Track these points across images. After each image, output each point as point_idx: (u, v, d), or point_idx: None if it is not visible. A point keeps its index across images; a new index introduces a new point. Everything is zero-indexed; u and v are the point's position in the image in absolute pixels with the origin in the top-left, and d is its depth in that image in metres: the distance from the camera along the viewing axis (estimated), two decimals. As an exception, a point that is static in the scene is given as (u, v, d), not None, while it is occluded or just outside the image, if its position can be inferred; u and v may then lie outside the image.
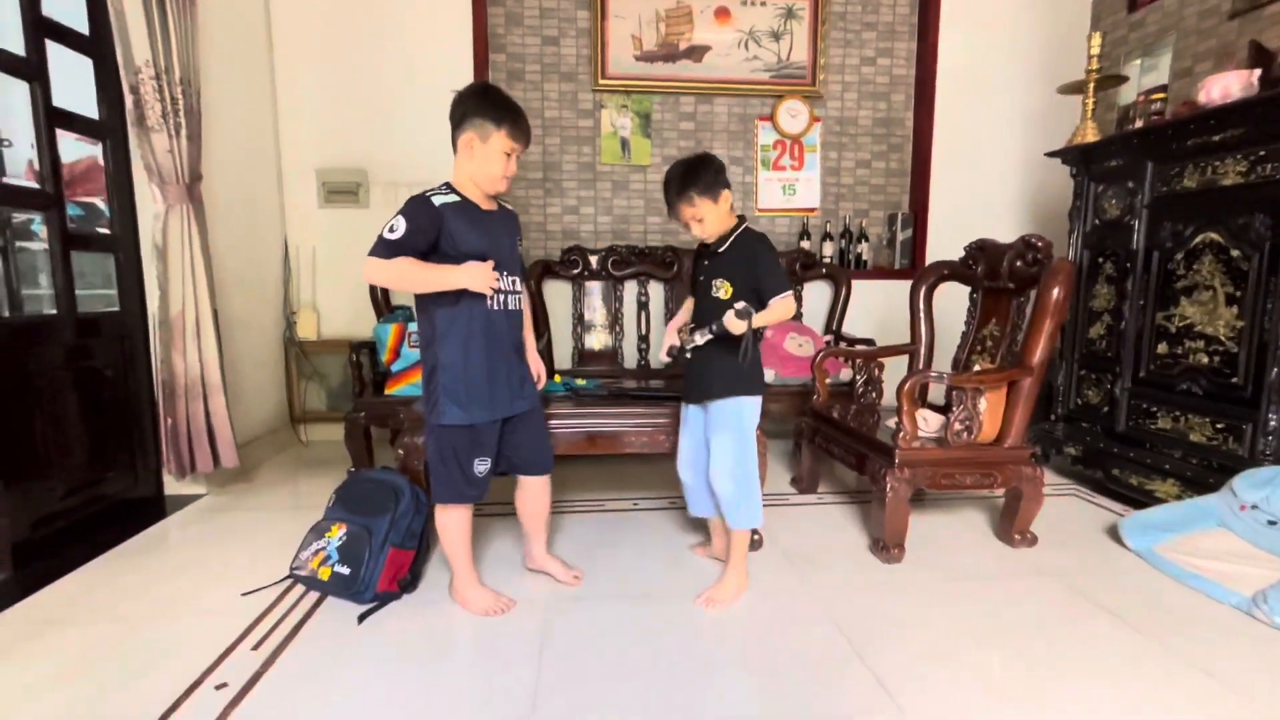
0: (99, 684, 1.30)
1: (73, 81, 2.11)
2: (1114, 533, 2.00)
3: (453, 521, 1.57)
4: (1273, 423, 1.85)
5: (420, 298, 1.48)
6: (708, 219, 1.53)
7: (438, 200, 1.42)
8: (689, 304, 1.71)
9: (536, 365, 1.68)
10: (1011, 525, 1.95)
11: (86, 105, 2.15)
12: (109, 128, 2.18)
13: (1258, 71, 1.98)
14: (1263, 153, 1.86)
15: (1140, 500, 2.19)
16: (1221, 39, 2.61)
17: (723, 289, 1.55)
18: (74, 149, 2.23)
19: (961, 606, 1.62)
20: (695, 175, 1.52)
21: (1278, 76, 1.95)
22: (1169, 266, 2.17)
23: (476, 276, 1.40)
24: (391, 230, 1.37)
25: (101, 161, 2.21)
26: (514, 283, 1.53)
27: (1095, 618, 1.57)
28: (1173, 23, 2.82)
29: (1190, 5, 2.74)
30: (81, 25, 2.09)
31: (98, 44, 2.11)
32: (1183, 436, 2.10)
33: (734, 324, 1.44)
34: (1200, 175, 2.05)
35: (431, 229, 1.40)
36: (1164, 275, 2.19)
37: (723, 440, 1.58)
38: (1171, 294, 2.16)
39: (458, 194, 1.47)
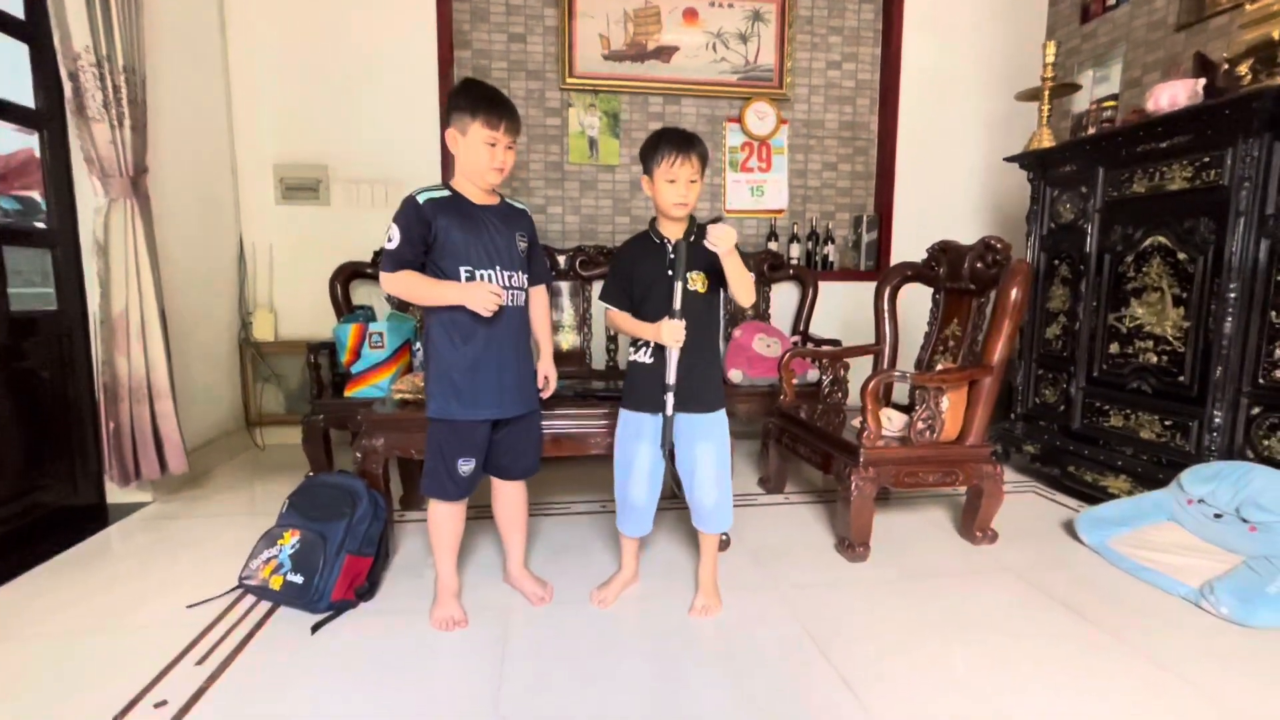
0: (28, 704, 1.22)
1: (6, 68, 2.00)
2: (1070, 528, 2.05)
3: (439, 517, 1.53)
4: (1217, 420, 1.92)
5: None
6: (697, 186, 1.46)
7: (423, 197, 1.41)
8: (624, 314, 1.54)
9: (545, 370, 1.62)
10: (973, 522, 1.98)
11: (22, 93, 2.04)
12: (46, 117, 2.06)
13: (1202, 81, 2.05)
14: (1207, 159, 1.94)
15: (1095, 496, 2.25)
16: (1169, 50, 2.71)
17: (697, 281, 1.48)
18: (10, 140, 2.11)
19: (924, 603, 1.64)
20: (699, 141, 1.46)
21: (1221, 86, 2.02)
22: (1120, 269, 2.24)
23: (474, 296, 1.38)
24: (390, 240, 1.40)
25: (38, 153, 2.10)
26: (510, 278, 1.47)
27: (1053, 611, 1.60)
28: (1123, 34, 2.92)
29: (1139, 17, 2.84)
30: (16, 8, 1.98)
31: (33, 28, 2.00)
32: (1134, 434, 2.17)
33: (720, 233, 1.35)
34: (1149, 180, 2.12)
35: (423, 230, 1.39)
36: (1115, 277, 2.26)
37: (709, 449, 1.53)
38: (1123, 295, 2.22)
39: (450, 189, 1.46)
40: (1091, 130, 2.49)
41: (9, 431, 1.94)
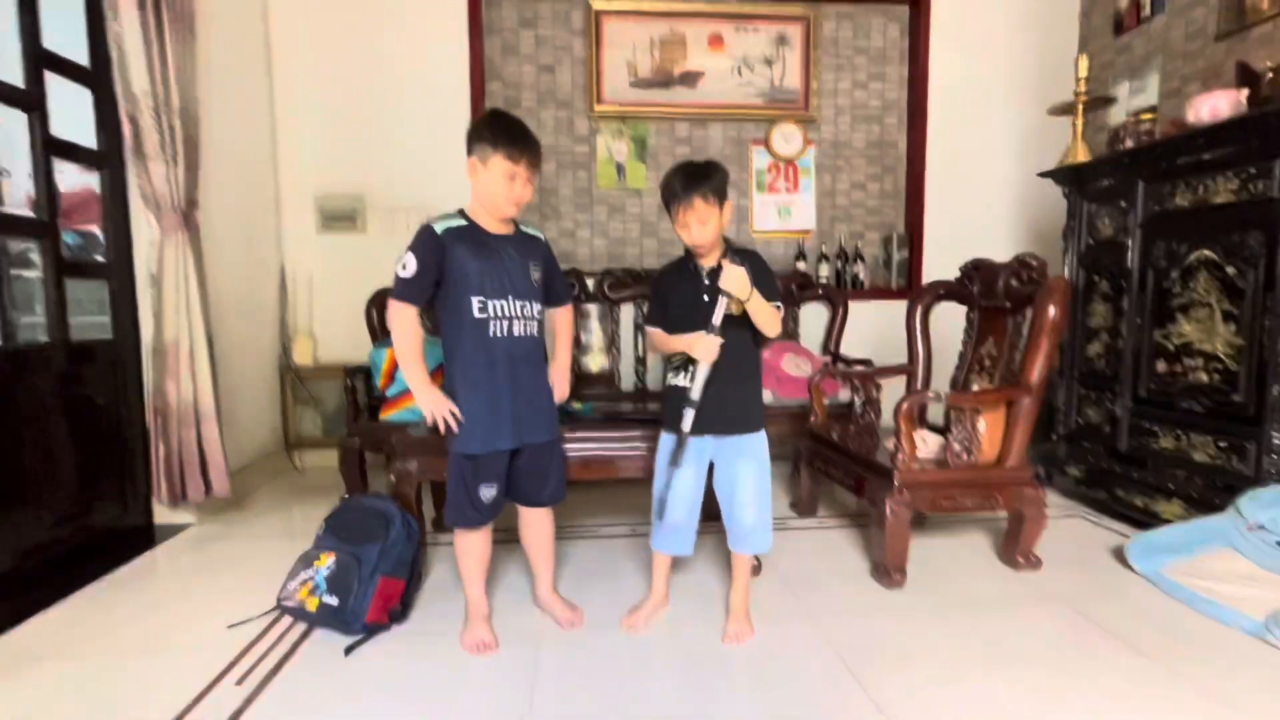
0: (76, 722, 1.26)
1: (73, 111, 2.13)
2: (1120, 555, 1.96)
3: (465, 543, 1.54)
4: (1276, 440, 1.83)
5: (437, 318, 1.51)
6: (711, 224, 1.43)
7: (440, 227, 1.43)
8: (663, 333, 1.54)
9: (554, 376, 1.60)
10: (1015, 548, 1.91)
11: (86, 135, 2.17)
12: (107, 157, 2.20)
13: (1245, 91, 1.99)
14: (1253, 170, 1.87)
15: (1145, 521, 2.15)
16: (1209, 60, 2.64)
17: (731, 305, 1.46)
18: (72, 178, 2.25)
19: (964, 632, 1.58)
20: (711, 174, 1.43)
21: (1265, 95, 1.96)
22: (1165, 284, 2.16)
23: (427, 404, 1.43)
24: (404, 267, 1.42)
25: (98, 190, 2.23)
26: (523, 307, 1.49)
27: (1102, 644, 1.53)
28: (1159, 45, 2.86)
29: (1176, 28, 2.78)
30: (82, 57, 2.12)
31: (97, 75, 2.14)
32: (1186, 455, 2.07)
33: (731, 282, 1.36)
34: (1192, 194, 2.05)
35: (438, 258, 1.42)
36: (1160, 293, 2.18)
37: (750, 469, 1.52)
38: (1168, 312, 2.15)
39: (466, 219, 1.48)
40: (1129, 143, 2.43)
41: (67, 454, 2.04)
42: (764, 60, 3.33)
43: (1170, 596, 1.74)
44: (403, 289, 1.43)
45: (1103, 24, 3.18)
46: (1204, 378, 2.02)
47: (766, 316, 1.43)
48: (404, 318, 1.44)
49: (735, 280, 1.37)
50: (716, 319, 1.40)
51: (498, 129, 1.44)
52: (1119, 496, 2.28)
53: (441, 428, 1.45)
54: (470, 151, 1.45)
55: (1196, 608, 1.67)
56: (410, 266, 1.41)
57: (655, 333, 1.57)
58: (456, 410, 1.44)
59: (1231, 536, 1.77)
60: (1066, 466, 2.54)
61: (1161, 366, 2.18)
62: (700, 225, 1.44)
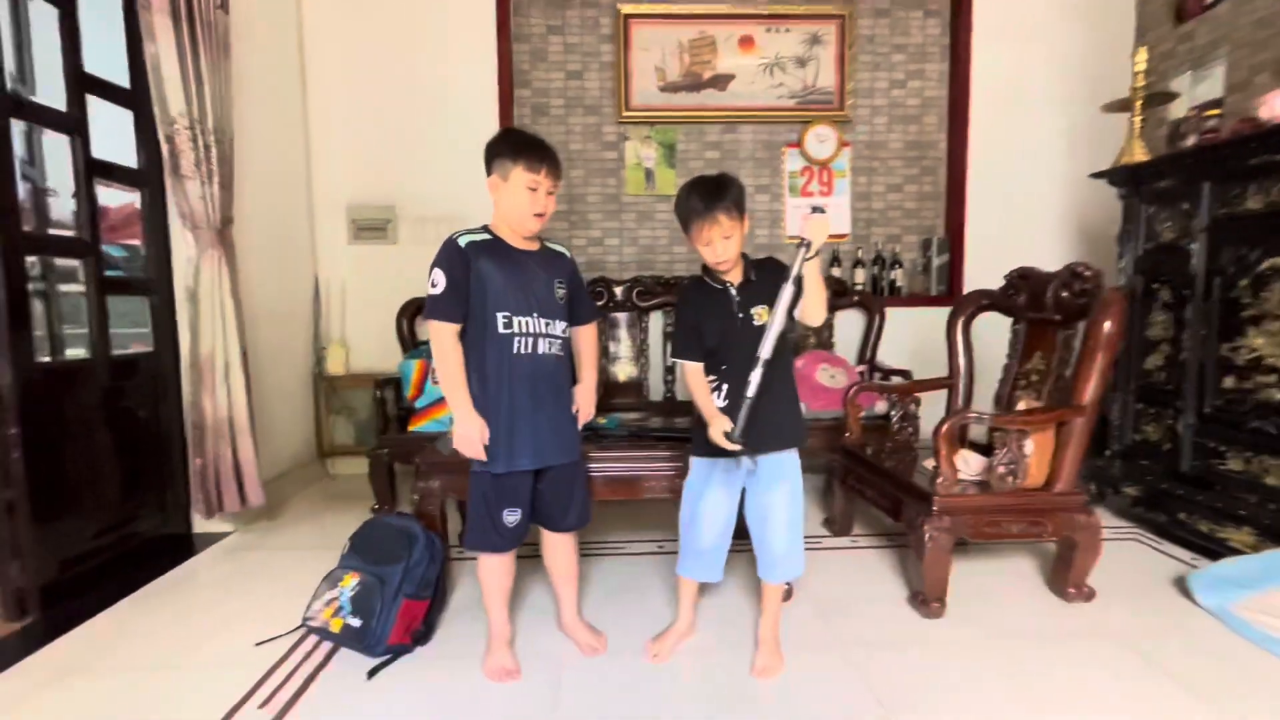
0: (106, 742, 1.28)
1: (115, 132, 2.19)
2: (1183, 586, 1.83)
3: (487, 569, 1.52)
4: (1362, 467, 1.67)
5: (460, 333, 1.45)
6: (734, 238, 1.38)
7: (464, 241, 1.41)
8: (701, 379, 1.45)
9: (581, 400, 1.54)
10: (1065, 577, 1.79)
11: (127, 154, 2.23)
12: (146, 176, 2.25)
13: (1326, 84, 1.83)
14: (1336, 171, 1.71)
15: (1211, 549, 2.00)
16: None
17: (763, 316, 1.40)
18: (119, 195, 2.32)
19: (1009, 669, 1.49)
20: (729, 187, 1.38)
21: (1349, 88, 1.80)
22: (1233, 294, 2.01)
23: (464, 433, 1.39)
24: (434, 285, 1.39)
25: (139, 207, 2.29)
26: (547, 325, 1.45)
27: (1162, 688, 1.41)
28: (1225, 34, 2.66)
29: (1244, 15, 2.58)
30: (123, 79, 2.18)
31: (136, 97, 2.19)
32: (1257, 479, 1.92)
33: (818, 222, 1.29)
34: (1265, 196, 1.90)
35: (465, 272, 1.39)
36: (1228, 303, 2.03)
37: (784, 491, 1.46)
38: (1237, 323, 1.99)
39: (490, 233, 1.46)
40: (1191, 139, 2.27)
41: (110, 465, 2.10)
42: (796, 61, 3.23)
43: (1238, 635, 1.61)
44: (438, 307, 1.39)
45: (1162, 11, 2.98)
46: (1277, 396, 1.87)
47: (819, 290, 1.34)
48: (443, 337, 1.40)
49: (820, 227, 1.29)
50: (765, 350, 1.31)
51: (516, 142, 1.42)
52: (1180, 520, 2.13)
53: (467, 453, 1.42)
54: (490, 169, 1.43)
55: (1269, 649, 1.53)
56: (440, 283, 1.38)
57: (694, 373, 1.46)
58: (487, 439, 1.41)
59: (1310, 571, 1.63)
60: (1121, 485, 2.39)
61: (1229, 382, 2.02)
62: (724, 241, 1.38)
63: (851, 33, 3.20)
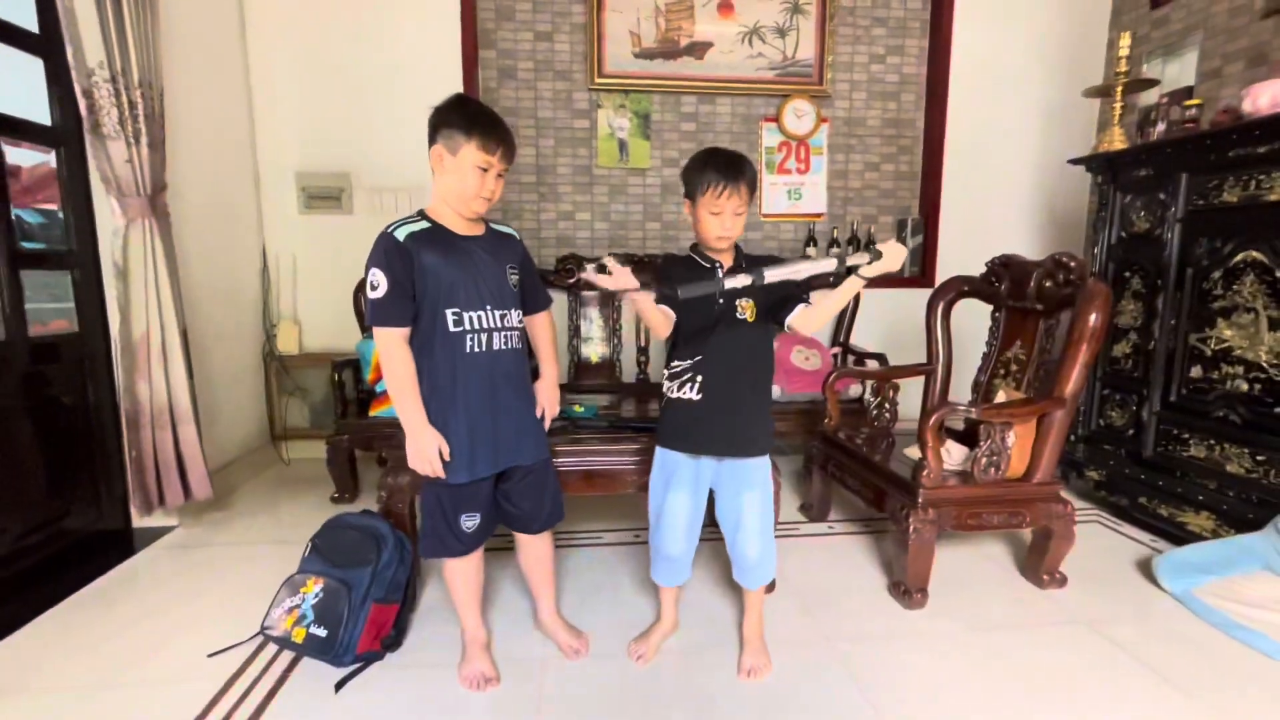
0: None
1: (22, 84, 1.93)
2: (1146, 568, 1.89)
3: (453, 572, 1.42)
4: (1320, 457, 1.73)
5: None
6: (743, 217, 1.34)
7: (402, 233, 1.25)
8: (657, 314, 1.33)
9: (544, 398, 1.45)
10: (1040, 565, 1.82)
11: (38, 110, 1.97)
12: (63, 134, 2.00)
13: (1307, 78, 1.84)
14: (1314, 166, 1.73)
15: (1170, 532, 2.07)
16: (1253, 38, 2.47)
17: (746, 310, 1.36)
18: (29, 154, 2.06)
19: (991, 660, 1.51)
20: (749, 167, 1.32)
21: (1327, 83, 1.81)
22: (1204, 285, 2.04)
23: (419, 449, 1.28)
24: (374, 288, 1.24)
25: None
26: (502, 317, 1.33)
27: (1134, 674, 1.46)
28: (1200, 20, 2.68)
29: (1220, 2, 2.59)
30: (31, 23, 1.91)
31: (48, 43, 1.93)
32: (1218, 467, 1.98)
33: (895, 250, 1.24)
34: (1242, 189, 1.91)
35: (407, 270, 1.24)
36: (1199, 294, 2.06)
37: (755, 498, 1.41)
38: (1207, 314, 2.03)
39: (428, 220, 1.30)
40: (1161, 126, 2.28)
41: (33, 460, 1.90)
42: (776, 30, 3.11)
43: (1202, 620, 1.66)
44: (381, 311, 1.24)
45: (1139, -5, 2.98)
46: (1244, 386, 1.92)
47: (839, 307, 1.34)
48: (390, 343, 1.26)
49: (898, 255, 1.25)
50: (863, 260, 1.25)
51: (471, 113, 1.27)
52: (1141, 504, 2.19)
53: (427, 473, 1.30)
54: (434, 138, 1.26)
55: (1233, 635, 1.59)
56: (381, 284, 1.23)
57: (660, 311, 1.33)
58: (447, 453, 1.29)
59: (1269, 557, 1.69)
60: (1085, 469, 2.45)
61: (1196, 372, 2.07)
62: (735, 216, 1.33)
63: (833, 3, 3.09)
